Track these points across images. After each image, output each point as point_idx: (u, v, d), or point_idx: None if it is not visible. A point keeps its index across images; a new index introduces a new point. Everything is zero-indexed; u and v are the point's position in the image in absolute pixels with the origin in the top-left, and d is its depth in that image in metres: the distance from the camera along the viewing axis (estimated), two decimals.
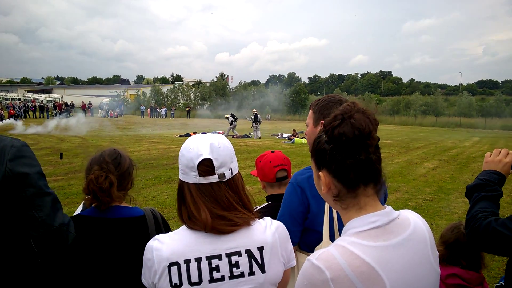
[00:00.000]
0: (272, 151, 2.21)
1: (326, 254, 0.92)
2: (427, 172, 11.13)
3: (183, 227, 1.16)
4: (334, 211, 1.60)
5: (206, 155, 1.12)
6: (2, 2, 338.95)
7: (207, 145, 1.14)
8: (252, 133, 21.66)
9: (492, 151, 1.61)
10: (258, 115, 21.75)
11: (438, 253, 1.05)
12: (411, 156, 14.59)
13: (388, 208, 1.00)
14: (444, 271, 2.09)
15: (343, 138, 0.95)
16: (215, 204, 1.12)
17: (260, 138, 20.92)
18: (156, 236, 1.16)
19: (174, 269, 1.08)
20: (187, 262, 1.09)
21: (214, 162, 1.13)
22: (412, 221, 1.02)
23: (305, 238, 1.67)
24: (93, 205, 1.54)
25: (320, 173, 1.02)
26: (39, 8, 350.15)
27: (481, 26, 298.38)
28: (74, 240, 1.41)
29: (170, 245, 1.10)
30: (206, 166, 1.13)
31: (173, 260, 1.08)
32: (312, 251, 1.63)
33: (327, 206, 1.60)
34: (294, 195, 1.64)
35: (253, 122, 21.65)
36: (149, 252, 1.12)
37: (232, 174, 1.18)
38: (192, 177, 1.13)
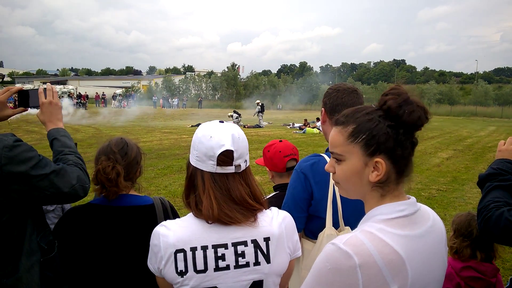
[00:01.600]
0: (280, 141, 2.19)
1: (354, 239, 0.88)
2: (441, 162, 10.98)
3: (190, 214, 1.16)
4: (338, 198, 1.60)
5: (229, 146, 1.11)
6: None
7: (229, 135, 1.13)
8: (263, 123, 22.28)
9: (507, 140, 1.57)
10: (263, 105, 22.93)
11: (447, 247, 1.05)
12: (425, 145, 14.37)
13: (413, 198, 1.00)
14: (459, 263, 2.06)
15: (419, 123, 0.92)
16: (227, 196, 1.12)
17: (262, 127, 21.38)
18: (163, 222, 1.15)
19: (180, 256, 1.08)
20: (193, 249, 1.09)
21: (235, 154, 1.12)
22: (431, 213, 1.03)
23: (310, 225, 1.69)
24: (102, 195, 1.55)
25: (376, 159, 0.93)
26: (55, 1, 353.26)
27: (499, 12, 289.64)
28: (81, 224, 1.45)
29: (177, 232, 1.10)
30: (225, 157, 1.12)
31: (179, 247, 1.09)
32: (316, 237, 1.64)
33: (330, 192, 1.61)
34: (297, 181, 1.65)
35: (259, 112, 22.66)
36: (156, 238, 1.12)
37: (246, 165, 1.18)
38: (209, 166, 1.12)
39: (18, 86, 1.63)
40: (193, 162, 1.16)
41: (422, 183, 8.10)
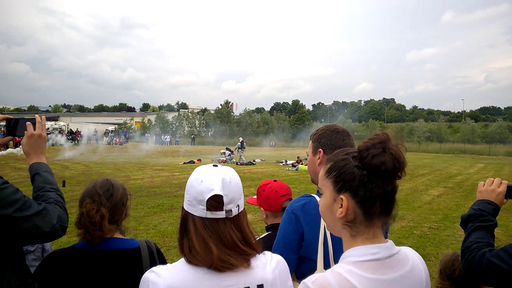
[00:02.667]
0: (275, 180, 2.20)
1: (322, 280, 0.91)
2: (432, 199, 11.01)
3: (182, 260, 1.12)
4: (329, 240, 1.59)
5: (218, 191, 1.10)
6: (17, 33, 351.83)
7: (219, 180, 1.12)
8: (243, 158, 22.96)
9: (485, 181, 1.61)
10: (244, 143, 24.18)
11: None
12: (416, 183, 14.45)
13: (390, 242, 1.00)
14: None
15: (382, 168, 0.94)
16: (218, 241, 1.09)
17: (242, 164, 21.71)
18: (153, 268, 1.11)
19: None
20: None
21: (224, 199, 1.11)
22: (411, 259, 1.02)
23: (301, 267, 1.66)
24: (85, 239, 1.53)
25: (341, 196, 0.99)
26: (52, 38, 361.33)
27: (482, 54, 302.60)
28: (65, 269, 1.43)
29: (168, 279, 1.06)
30: (215, 202, 1.10)
31: None
32: None
33: (321, 234, 1.59)
34: (288, 222, 1.64)
35: (239, 148, 23.56)
36: (145, 285, 1.08)
37: (238, 211, 1.15)
38: (199, 210, 1.11)
39: (4, 115, 1.64)
40: (185, 206, 1.15)
41: (414, 221, 8.06)
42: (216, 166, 1.18)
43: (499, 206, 1.54)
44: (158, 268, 1.10)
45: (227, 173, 1.15)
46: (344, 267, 0.94)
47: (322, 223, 1.58)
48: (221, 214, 1.11)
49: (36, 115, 1.63)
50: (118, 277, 1.51)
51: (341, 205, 0.98)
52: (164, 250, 5.52)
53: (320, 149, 1.73)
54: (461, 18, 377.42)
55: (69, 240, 5.75)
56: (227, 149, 24.06)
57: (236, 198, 1.15)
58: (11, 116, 1.63)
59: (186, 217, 1.14)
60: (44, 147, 1.64)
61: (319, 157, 1.73)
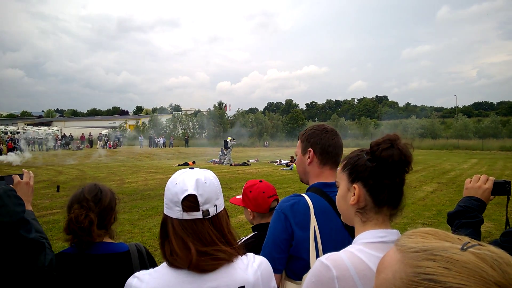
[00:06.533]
0: (260, 181, 2.21)
1: (335, 256, 1.04)
2: (426, 195, 11.09)
3: (164, 264, 1.14)
4: (319, 238, 1.60)
5: (191, 190, 1.11)
6: (11, 39, 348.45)
7: (193, 180, 1.13)
8: (228, 160, 22.54)
9: (472, 177, 1.62)
10: (228, 142, 23.44)
11: None
12: (410, 179, 14.46)
13: (397, 230, 1.11)
14: None
15: (390, 160, 1.06)
16: (197, 241, 1.10)
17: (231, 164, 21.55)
18: (136, 274, 1.13)
19: None
20: None
21: (199, 198, 1.12)
22: None
23: (292, 266, 1.68)
24: (72, 244, 1.53)
25: (354, 185, 1.13)
26: (46, 43, 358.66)
27: (475, 50, 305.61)
28: (54, 278, 1.41)
29: (150, 284, 1.08)
30: (190, 202, 1.11)
31: None
32: (300, 279, 1.63)
33: (312, 233, 1.61)
34: (278, 222, 1.65)
35: (227, 148, 23.04)
36: None
37: (216, 211, 1.16)
38: (176, 212, 1.12)
39: None
40: (164, 209, 1.17)
41: (408, 217, 8.12)
42: (193, 168, 1.20)
43: (485, 203, 1.55)
44: (141, 274, 1.13)
45: (202, 174, 1.17)
46: (355, 247, 1.06)
47: (312, 223, 1.60)
48: (198, 215, 1.12)
49: (24, 170, 1.75)
50: (109, 281, 1.52)
51: (354, 193, 1.13)
52: (158, 253, 5.49)
53: (310, 149, 1.74)
54: (456, 14, 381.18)
55: (64, 245, 5.73)
56: (222, 150, 24.06)
57: (213, 198, 1.15)
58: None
59: (165, 221, 1.16)
60: (31, 196, 1.71)
61: (309, 157, 1.74)
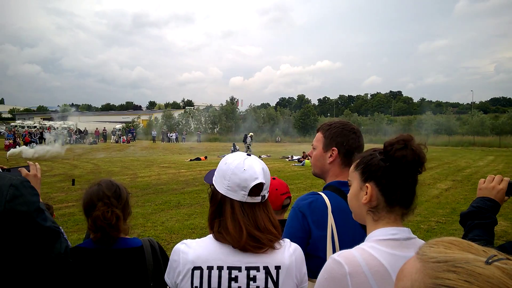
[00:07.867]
0: (273, 178, 2.21)
1: (347, 253, 1.05)
2: (440, 193, 10.93)
3: (210, 236, 1.25)
4: (336, 237, 1.59)
5: (261, 179, 1.22)
6: (28, 35, 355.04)
7: (260, 169, 1.25)
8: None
9: (486, 178, 1.58)
10: (248, 137, 24.99)
11: None
12: (424, 176, 14.26)
13: (408, 229, 1.13)
14: None
15: (403, 160, 1.07)
16: (253, 223, 1.21)
17: None
18: (184, 240, 1.25)
19: (197, 273, 1.17)
20: (210, 268, 1.17)
21: (264, 186, 1.24)
22: None
23: (308, 264, 1.67)
24: (94, 238, 1.56)
25: (367, 184, 1.14)
26: (63, 39, 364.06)
27: (493, 44, 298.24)
28: (71, 269, 1.44)
29: (196, 250, 1.19)
30: (257, 188, 1.22)
31: (197, 265, 1.17)
32: (316, 277, 1.62)
33: (329, 232, 1.59)
34: (295, 220, 1.64)
35: (245, 143, 24.35)
36: (176, 254, 1.21)
37: (267, 195, 1.29)
38: (240, 195, 1.22)
39: None
40: (223, 191, 1.24)
41: (421, 215, 8.02)
42: (249, 155, 1.31)
43: (499, 204, 1.51)
44: (188, 241, 1.25)
45: (262, 163, 1.30)
46: (367, 244, 1.08)
47: (330, 221, 1.59)
48: (258, 199, 1.24)
49: (29, 162, 1.74)
50: (123, 275, 1.54)
51: (366, 192, 1.13)
52: (171, 247, 5.55)
53: (335, 148, 1.69)
54: (475, 7, 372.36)
55: (79, 237, 5.85)
56: (234, 145, 24.24)
57: (268, 184, 1.29)
58: (5, 166, 1.67)
59: (223, 201, 1.25)
60: (39, 188, 1.71)
61: (331, 155, 1.70)
